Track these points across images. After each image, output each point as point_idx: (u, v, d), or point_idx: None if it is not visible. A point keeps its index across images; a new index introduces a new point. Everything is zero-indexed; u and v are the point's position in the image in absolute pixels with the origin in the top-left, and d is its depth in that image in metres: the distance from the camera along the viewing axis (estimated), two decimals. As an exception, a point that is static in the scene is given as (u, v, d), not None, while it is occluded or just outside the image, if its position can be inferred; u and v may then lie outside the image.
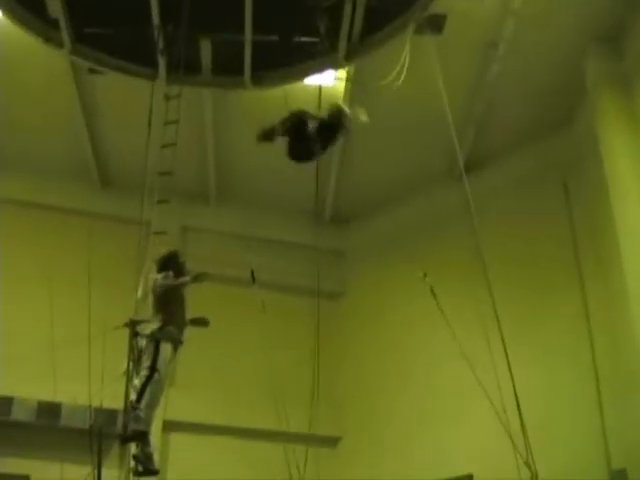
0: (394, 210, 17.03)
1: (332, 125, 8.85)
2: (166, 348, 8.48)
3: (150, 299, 8.98)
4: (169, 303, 8.75)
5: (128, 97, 14.68)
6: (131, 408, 8.37)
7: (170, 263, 9.10)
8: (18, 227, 16.63)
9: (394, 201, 16.89)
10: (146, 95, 13.44)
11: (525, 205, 15.18)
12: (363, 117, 9.03)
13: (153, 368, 8.31)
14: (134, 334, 8.82)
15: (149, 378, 8.33)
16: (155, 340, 8.44)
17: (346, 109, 9.06)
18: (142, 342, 8.74)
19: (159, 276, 8.97)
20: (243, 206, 17.26)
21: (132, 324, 8.89)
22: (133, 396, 8.43)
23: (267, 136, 8.85)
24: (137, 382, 8.43)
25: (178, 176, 12.51)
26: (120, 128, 15.91)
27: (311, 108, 13.03)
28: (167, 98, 12.91)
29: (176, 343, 8.67)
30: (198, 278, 8.81)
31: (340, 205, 17.17)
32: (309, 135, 8.64)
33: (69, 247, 16.44)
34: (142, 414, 8.26)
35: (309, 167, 13.58)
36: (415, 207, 16.73)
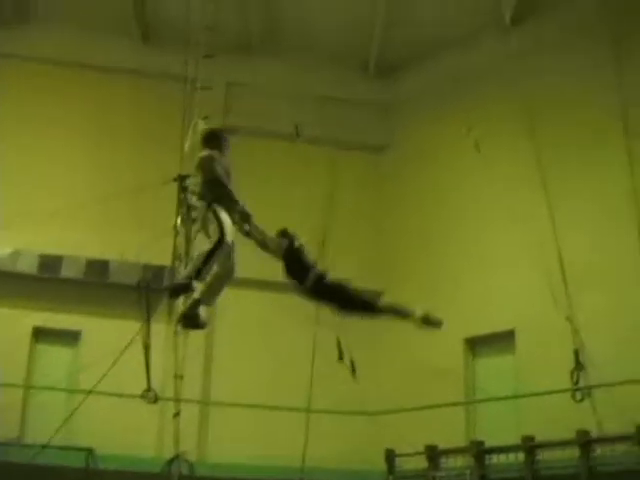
0: (441, 61, 16.40)
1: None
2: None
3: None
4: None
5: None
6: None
7: (215, 140, 8.28)
8: (61, 85, 16.49)
9: (441, 53, 16.27)
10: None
11: (573, 59, 14.63)
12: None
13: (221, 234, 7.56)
14: (182, 189, 8.81)
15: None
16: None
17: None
18: (191, 198, 8.62)
19: (204, 153, 8.12)
20: (287, 60, 16.78)
21: (181, 179, 8.88)
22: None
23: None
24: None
25: (221, 29, 12.27)
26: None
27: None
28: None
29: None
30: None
31: (386, 56, 16.75)
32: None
33: (113, 104, 16.35)
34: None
35: (352, 18, 13.13)
36: (462, 59, 16.04)
